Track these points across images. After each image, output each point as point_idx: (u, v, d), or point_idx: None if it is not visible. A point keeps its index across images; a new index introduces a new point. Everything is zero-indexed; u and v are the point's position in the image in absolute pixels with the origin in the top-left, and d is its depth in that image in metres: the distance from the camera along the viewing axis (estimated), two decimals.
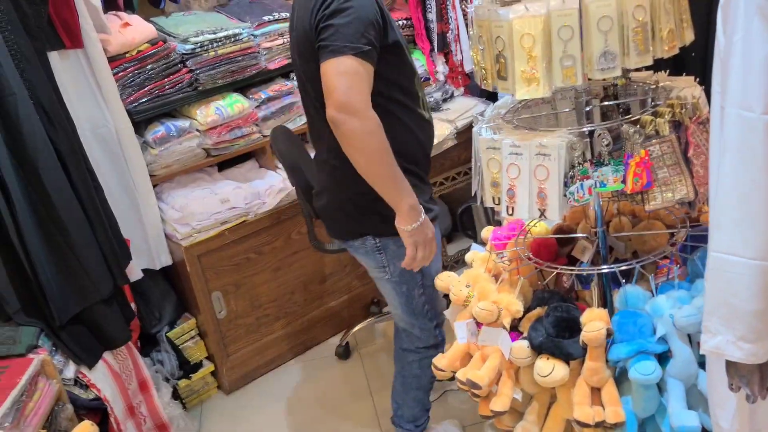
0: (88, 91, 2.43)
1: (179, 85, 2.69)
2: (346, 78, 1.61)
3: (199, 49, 2.70)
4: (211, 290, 2.67)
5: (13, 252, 1.95)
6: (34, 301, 2.00)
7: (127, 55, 2.57)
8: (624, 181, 1.48)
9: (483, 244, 2.11)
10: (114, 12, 2.67)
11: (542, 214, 1.54)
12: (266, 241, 2.78)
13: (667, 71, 1.72)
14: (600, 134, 1.49)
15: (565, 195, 1.50)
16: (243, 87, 2.90)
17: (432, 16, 3.21)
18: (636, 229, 1.93)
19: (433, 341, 2.08)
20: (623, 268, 1.63)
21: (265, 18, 2.92)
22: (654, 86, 1.68)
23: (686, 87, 1.62)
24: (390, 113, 1.76)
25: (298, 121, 2.98)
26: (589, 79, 1.52)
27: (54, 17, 2.29)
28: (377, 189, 1.71)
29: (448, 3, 3.19)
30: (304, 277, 2.92)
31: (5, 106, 1.87)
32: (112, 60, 2.51)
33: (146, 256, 2.62)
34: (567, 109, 1.78)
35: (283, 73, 3.01)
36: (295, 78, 2.75)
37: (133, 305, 2.50)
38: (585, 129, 1.52)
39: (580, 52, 1.41)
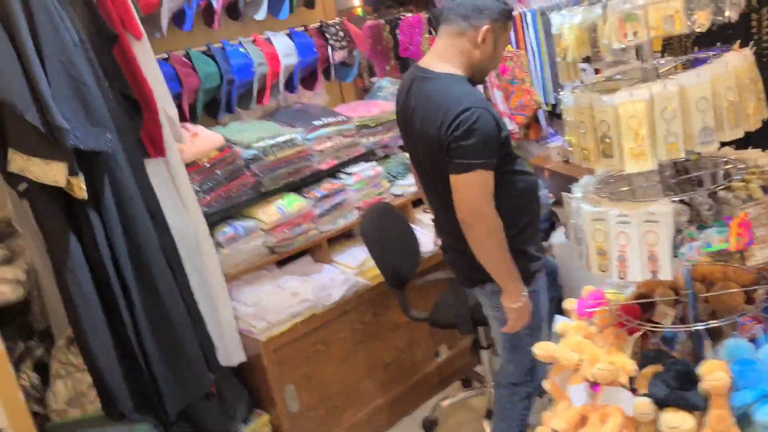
0: (169, 196, 2.55)
1: (244, 187, 2.84)
2: (475, 189, 1.97)
3: (261, 154, 2.88)
4: (285, 383, 2.71)
5: (127, 351, 2.01)
6: (144, 398, 2.04)
7: (199, 162, 2.73)
8: (728, 241, 1.65)
9: (564, 314, 2.23)
10: (182, 124, 2.84)
11: (654, 275, 1.69)
12: (333, 333, 2.86)
13: (733, 145, 1.93)
14: (701, 201, 1.67)
15: (676, 256, 1.66)
16: (296, 188, 3.07)
17: None
18: (713, 290, 2.09)
19: (523, 379, 2.30)
20: (727, 322, 1.78)
21: (315, 123, 3.13)
22: (726, 159, 1.88)
23: (759, 157, 1.83)
24: (507, 181, 2.09)
25: (349, 217, 3.14)
26: None
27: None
28: (489, 271, 2.05)
29: None
30: (367, 367, 2.99)
31: (126, 211, 1.99)
32: (186, 167, 2.66)
33: (222, 353, 2.67)
34: (645, 183, 1.98)
35: (331, 173, 3.20)
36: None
37: None
38: (687, 196, 1.70)
39: (681, 129, 1.61)
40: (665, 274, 1.68)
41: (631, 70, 1.92)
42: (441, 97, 1.99)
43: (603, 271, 1.80)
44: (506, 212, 2.06)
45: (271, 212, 2.87)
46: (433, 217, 2.42)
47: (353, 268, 3.04)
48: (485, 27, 2.03)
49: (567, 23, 1.69)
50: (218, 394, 2.71)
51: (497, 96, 3.46)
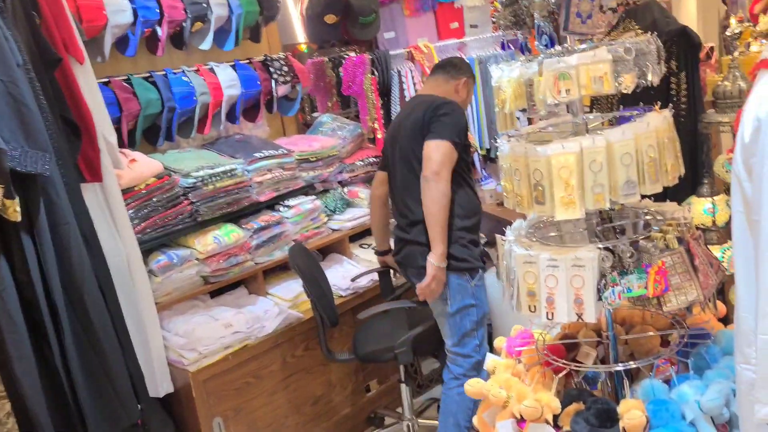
0: (104, 221, 2.51)
1: (181, 216, 2.82)
2: (442, 155, 2.46)
3: (200, 183, 2.88)
4: (213, 416, 2.67)
5: (53, 378, 1.95)
6: (68, 427, 1.98)
7: (136, 188, 2.70)
8: (646, 287, 1.77)
9: (495, 352, 2.31)
10: (120, 150, 2.81)
11: (579, 317, 1.78)
12: (264, 365, 2.85)
13: (652, 198, 2.07)
14: (623, 249, 1.78)
15: (600, 299, 1.76)
16: (234, 218, 3.07)
17: None
18: (632, 332, 2.21)
19: (471, 373, 2.55)
20: (645, 364, 1.88)
21: (256, 155, 3.15)
22: (646, 211, 2.02)
23: (675, 210, 1.97)
24: (465, 190, 2.60)
25: (286, 249, 3.15)
26: None
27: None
28: (431, 230, 2.47)
29: None
30: (296, 401, 2.98)
31: (60, 234, 1.95)
32: (122, 193, 2.63)
33: (149, 383, 2.61)
34: (573, 230, 2.09)
35: (269, 205, 3.22)
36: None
37: None
38: (611, 244, 1.81)
39: (607, 181, 1.72)
40: (590, 317, 1.78)
41: (562, 123, 2.04)
42: (428, 100, 2.61)
43: (532, 311, 1.88)
44: (458, 206, 2.53)
45: (207, 242, 2.86)
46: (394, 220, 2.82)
47: (288, 300, 3.05)
48: (463, 80, 2.74)
49: (506, 77, 1.80)
50: (144, 425, 2.65)
51: None
